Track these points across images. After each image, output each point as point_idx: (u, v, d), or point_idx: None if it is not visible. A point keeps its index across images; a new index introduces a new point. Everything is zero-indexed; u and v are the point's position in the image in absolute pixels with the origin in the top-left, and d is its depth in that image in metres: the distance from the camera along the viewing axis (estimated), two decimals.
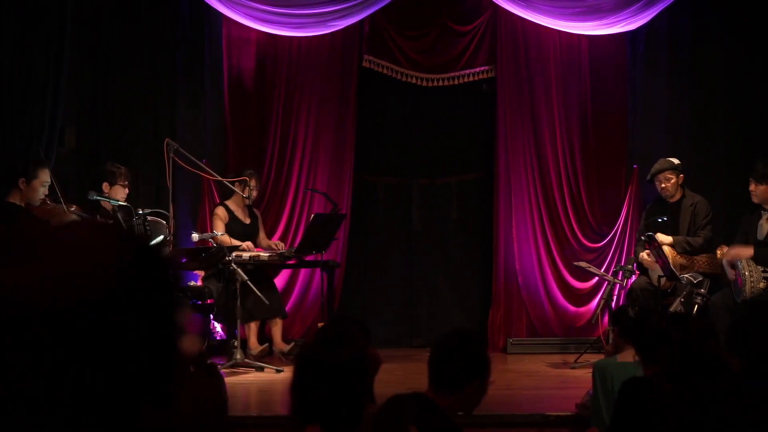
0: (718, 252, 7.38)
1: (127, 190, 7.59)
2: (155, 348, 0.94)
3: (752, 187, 7.32)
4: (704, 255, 7.54)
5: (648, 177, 7.89)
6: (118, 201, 7.40)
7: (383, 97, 8.94)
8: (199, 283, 7.97)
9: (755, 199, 7.34)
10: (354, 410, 2.48)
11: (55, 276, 0.89)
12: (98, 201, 7.38)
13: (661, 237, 7.52)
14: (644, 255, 7.60)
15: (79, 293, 0.89)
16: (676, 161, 7.75)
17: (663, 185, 7.74)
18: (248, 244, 7.87)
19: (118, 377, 0.91)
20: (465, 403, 2.98)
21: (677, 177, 7.74)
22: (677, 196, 7.80)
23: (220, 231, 7.65)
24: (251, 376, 7.03)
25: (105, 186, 7.51)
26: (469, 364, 2.99)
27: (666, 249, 7.39)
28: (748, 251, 7.09)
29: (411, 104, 8.94)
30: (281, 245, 8.14)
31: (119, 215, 7.36)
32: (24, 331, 0.88)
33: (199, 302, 7.77)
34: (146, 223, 7.45)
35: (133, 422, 0.93)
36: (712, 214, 7.79)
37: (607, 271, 8.20)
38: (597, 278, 8.32)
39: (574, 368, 7.44)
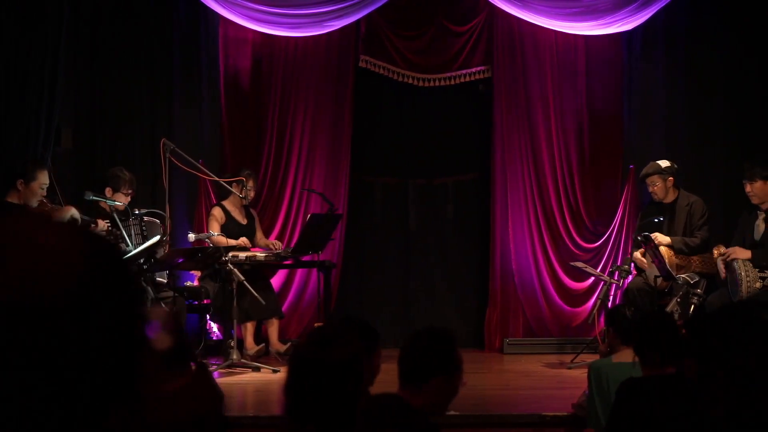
0: (715, 252, 7.38)
1: (129, 198, 7.57)
2: (116, 347, 0.94)
3: (748, 188, 7.32)
4: (700, 255, 7.54)
5: (639, 180, 7.93)
6: (114, 202, 7.39)
7: (380, 98, 8.95)
8: (196, 283, 7.97)
9: (755, 200, 7.34)
10: (348, 411, 2.48)
11: (13, 276, 0.89)
12: (94, 201, 7.37)
13: (660, 237, 7.53)
14: (638, 254, 7.62)
15: (37, 294, 0.89)
16: (664, 164, 7.75)
17: (651, 189, 7.79)
18: (243, 239, 7.87)
19: (78, 377, 0.91)
20: (431, 400, 2.95)
21: (664, 181, 7.75)
22: (671, 197, 7.81)
23: (215, 231, 7.65)
24: (248, 377, 7.03)
25: (108, 191, 7.49)
26: (432, 358, 2.97)
27: (663, 249, 7.40)
28: (746, 253, 7.10)
29: (407, 104, 8.94)
30: (278, 244, 8.14)
31: (115, 215, 7.35)
32: None
33: (196, 302, 7.78)
34: (143, 224, 7.45)
35: (97, 422, 0.92)
36: (709, 213, 7.80)
37: (603, 271, 8.21)
38: (593, 278, 8.32)
39: (570, 368, 7.44)
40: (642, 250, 7.56)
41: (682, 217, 7.74)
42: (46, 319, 0.90)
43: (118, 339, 0.95)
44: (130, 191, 7.55)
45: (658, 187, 7.75)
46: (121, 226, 7.27)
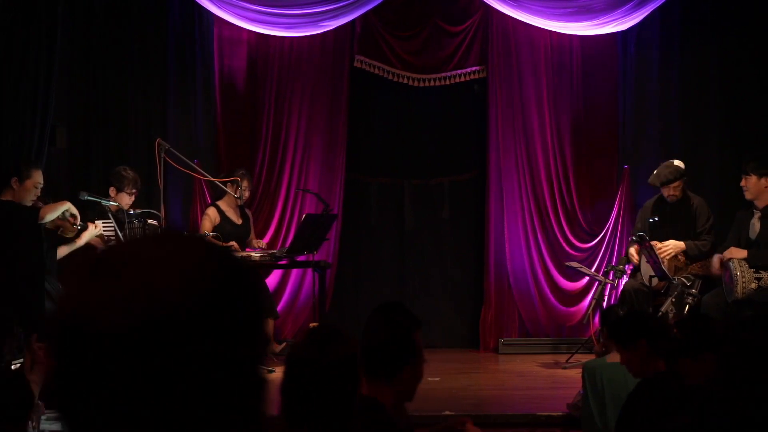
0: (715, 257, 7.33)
1: (132, 198, 7.55)
2: (244, 365, 0.90)
3: (743, 182, 7.29)
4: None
5: (658, 183, 7.60)
6: (109, 202, 7.36)
7: (375, 98, 8.95)
8: None
9: (748, 195, 7.30)
10: (344, 412, 2.47)
11: (133, 292, 0.87)
12: (89, 201, 7.34)
13: (674, 243, 7.43)
14: (632, 251, 7.57)
15: (158, 309, 0.86)
16: (682, 166, 7.61)
17: (671, 192, 7.58)
18: (233, 244, 7.85)
19: (202, 397, 0.88)
20: (400, 391, 2.85)
21: (683, 182, 7.65)
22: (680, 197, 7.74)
23: (207, 231, 7.63)
24: None
25: (112, 191, 7.48)
26: (395, 349, 2.85)
27: (669, 254, 7.35)
28: (741, 253, 7.09)
29: (403, 104, 8.94)
30: (262, 244, 8.11)
31: (110, 215, 7.32)
32: (103, 348, 0.86)
33: None
34: (146, 228, 7.41)
35: None
36: (713, 218, 7.71)
37: (597, 271, 8.21)
38: (588, 278, 8.33)
39: (565, 368, 7.45)
40: (637, 246, 7.53)
41: (687, 216, 7.64)
42: (166, 334, 0.86)
43: (245, 355, 0.90)
44: (134, 191, 7.55)
45: (678, 189, 7.64)
46: (117, 228, 7.24)
